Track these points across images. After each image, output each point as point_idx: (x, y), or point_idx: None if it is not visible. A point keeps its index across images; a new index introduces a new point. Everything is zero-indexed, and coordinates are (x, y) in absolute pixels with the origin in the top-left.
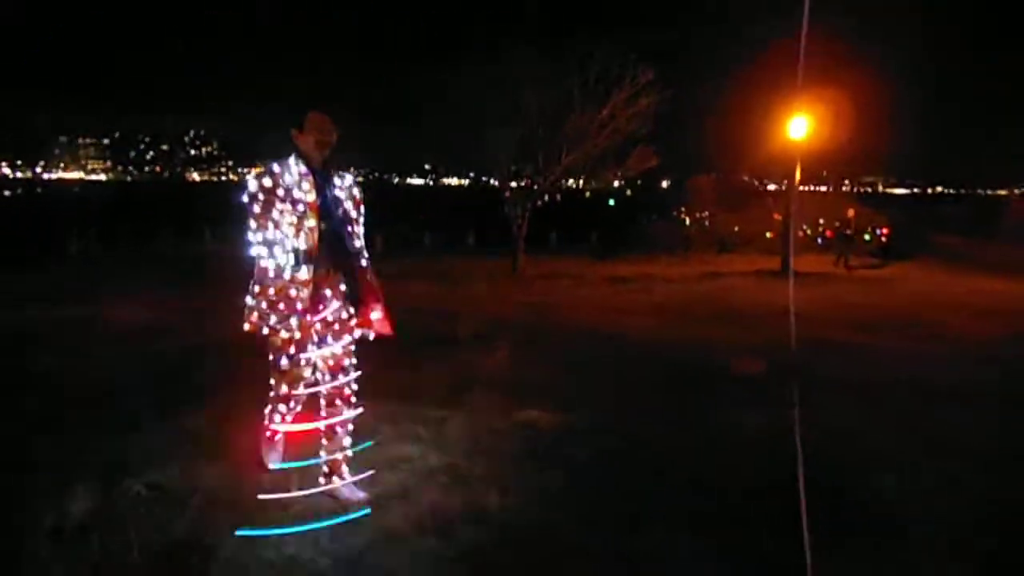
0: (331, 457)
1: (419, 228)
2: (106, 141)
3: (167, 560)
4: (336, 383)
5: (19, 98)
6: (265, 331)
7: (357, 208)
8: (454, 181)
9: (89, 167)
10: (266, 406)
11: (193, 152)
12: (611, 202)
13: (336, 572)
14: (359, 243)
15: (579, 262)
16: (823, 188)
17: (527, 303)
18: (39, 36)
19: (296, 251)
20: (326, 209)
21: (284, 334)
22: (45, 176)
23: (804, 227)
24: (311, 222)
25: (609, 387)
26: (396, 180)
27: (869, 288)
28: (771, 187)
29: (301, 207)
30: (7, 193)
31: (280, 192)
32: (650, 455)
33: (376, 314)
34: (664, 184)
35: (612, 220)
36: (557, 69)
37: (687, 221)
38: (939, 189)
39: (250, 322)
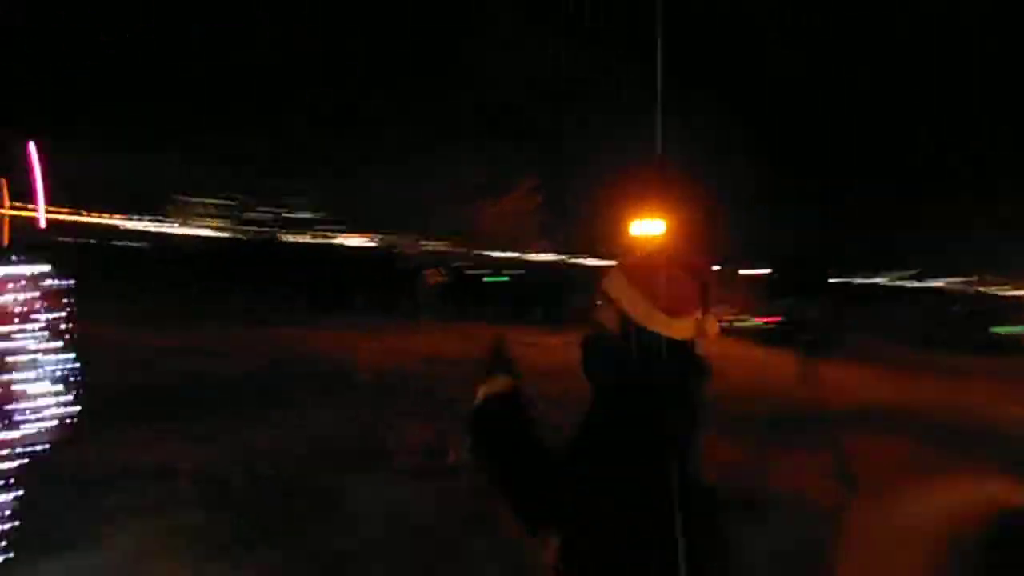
0: None
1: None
2: (215, 201)
3: None
4: None
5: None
6: None
7: (41, 303)
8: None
9: (199, 224)
10: None
11: (285, 215)
12: (507, 278)
13: None
14: (23, 344)
15: (521, 331)
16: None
17: (354, 347)
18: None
19: None
20: None
21: None
22: (164, 231)
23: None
24: None
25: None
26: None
27: None
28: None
29: None
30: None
31: None
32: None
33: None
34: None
35: (556, 297)
36: (456, 170)
37: None
38: None
39: None
